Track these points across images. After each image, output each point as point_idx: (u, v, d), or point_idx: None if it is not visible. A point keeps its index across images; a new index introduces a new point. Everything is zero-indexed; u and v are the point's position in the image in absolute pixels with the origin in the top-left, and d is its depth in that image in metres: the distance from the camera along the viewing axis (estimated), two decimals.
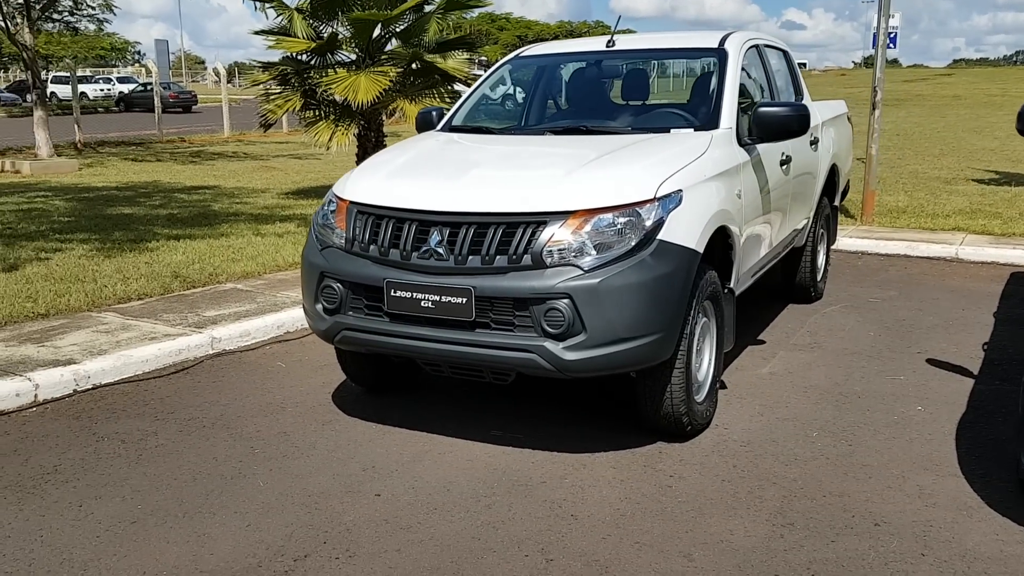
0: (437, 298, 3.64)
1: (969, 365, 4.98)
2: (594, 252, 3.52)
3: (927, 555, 3.01)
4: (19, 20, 17.08)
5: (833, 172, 6.43)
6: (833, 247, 8.27)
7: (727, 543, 3.12)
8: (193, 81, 66.37)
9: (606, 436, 4.04)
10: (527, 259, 3.54)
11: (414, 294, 3.68)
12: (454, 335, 3.66)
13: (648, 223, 3.58)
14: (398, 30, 11.49)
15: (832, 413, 4.29)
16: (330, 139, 10.88)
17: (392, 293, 3.72)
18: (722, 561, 3.00)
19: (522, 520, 3.30)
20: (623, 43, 5.12)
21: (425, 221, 3.73)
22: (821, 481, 3.57)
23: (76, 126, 20.34)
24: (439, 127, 5.09)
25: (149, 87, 27.90)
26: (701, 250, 3.73)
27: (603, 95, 5.26)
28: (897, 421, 4.18)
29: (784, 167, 5.05)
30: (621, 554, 3.06)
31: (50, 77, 44.35)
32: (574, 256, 3.51)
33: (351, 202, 3.97)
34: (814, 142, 5.82)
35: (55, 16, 19.25)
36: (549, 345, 3.51)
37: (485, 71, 5.60)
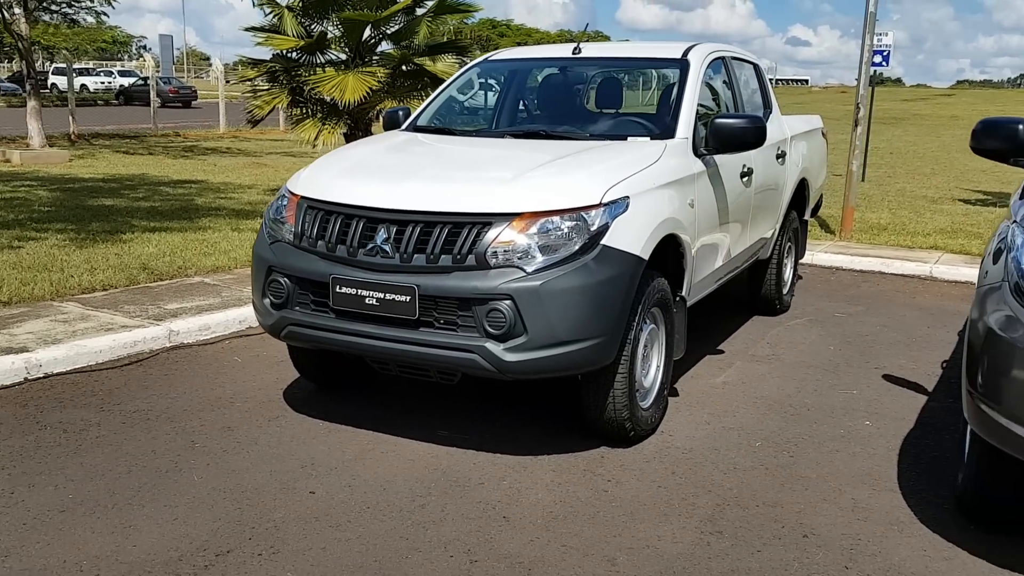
0: (381, 295, 3.64)
1: (925, 382, 4.98)
2: (538, 255, 3.52)
3: (851, 568, 3.00)
4: (16, 10, 17.11)
5: (802, 186, 6.43)
6: (809, 262, 8.32)
7: (653, 549, 3.11)
8: (196, 77, 66.41)
9: (553, 439, 4.04)
10: (471, 259, 3.54)
11: (359, 291, 3.68)
12: (398, 333, 3.66)
13: (593, 228, 3.58)
14: (389, 32, 11.52)
15: (779, 424, 4.28)
16: (316, 137, 10.89)
17: (338, 289, 3.72)
18: (645, 566, 3.00)
19: (453, 521, 3.30)
20: (589, 51, 5.13)
21: (373, 218, 3.73)
22: (756, 491, 3.57)
23: (71, 117, 20.40)
24: (404, 126, 5.10)
25: (149, 81, 27.97)
26: (646, 257, 3.73)
27: (567, 101, 5.27)
28: (843, 435, 4.18)
29: (745, 179, 5.06)
30: (546, 557, 3.06)
31: (51, 68, 44.42)
32: (518, 258, 3.52)
33: (302, 197, 3.98)
34: (781, 156, 5.83)
35: (52, 7, 19.26)
36: (490, 346, 3.51)
37: None
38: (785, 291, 6.45)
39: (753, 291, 6.27)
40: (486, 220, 3.55)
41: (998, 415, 2.82)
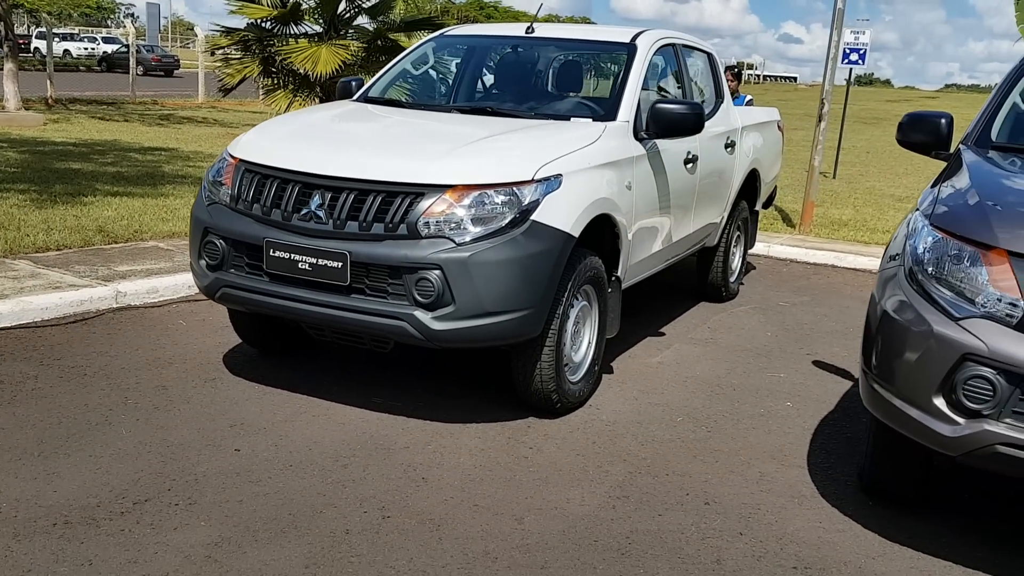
0: (314, 261, 3.72)
1: (853, 369, 5.12)
2: (469, 227, 3.61)
3: (745, 534, 3.14)
4: None
5: (753, 177, 6.55)
6: (764, 253, 8.46)
7: (559, 510, 3.23)
8: (182, 47, 65.67)
9: (484, 408, 4.14)
10: (403, 228, 3.62)
11: (292, 255, 3.76)
12: (330, 299, 3.74)
13: (524, 203, 3.67)
14: (365, 6, 11.54)
15: (703, 402, 4.42)
16: (287, 108, 10.90)
17: (271, 253, 3.80)
18: (549, 526, 3.12)
19: (373, 481, 3.40)
20: (542, 31, 5.21)
21: (308, 184, 3.80)
22: (668, 461, 3.70)
23: (48, 81, 20.20)
24: (355, 97, 5.16)
25: (130, 48, 27.76)
26: (576, 234, 3.83)
27: (518, 80, 5.35)
28: (762, 414, 4.32)
29: (689, 166, 5.16)
30: (457, 515, 3.17)
31: (35, 33, 43.79)
32: (449, 229, 3.60)
33: (240, 160, 4.04)
34: (730, 145, 5.94)
35: None
36: (419, 314, 3.60)
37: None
38: (732, 279, 6.58)
39: (700, 277, 6.40)
40: (419, 190, 3.64)
41: (890, 395, 2.95)
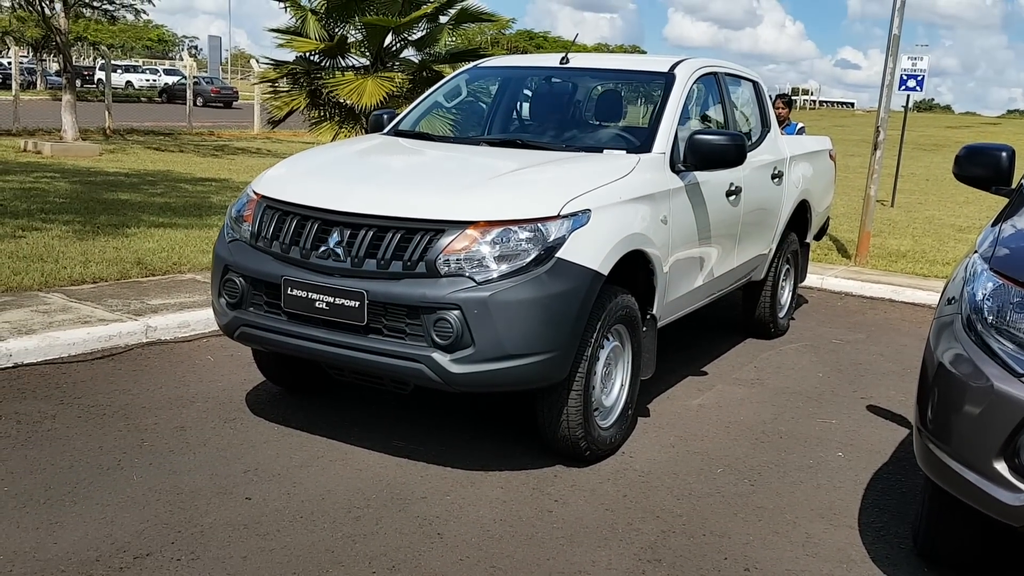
0: (331, 299, 3.57)
1: (910, 415, 4.77)
2: (490, 265, 3.43)
3: None
4: (56, 6, 17.47)
5: (803, 208, 6.27)
6: (818, 286, 8.12)
7: (585, 575, 2.99)
8: (242, 78, 67.40)
9: (510, 453, 3.94)
10: (422, 267, 3.46)
11: (310, 294, 3.62)
12: (347, 339, 3.59)
13: (549, 240, 3.48)
14: (411, 39, 11.55)
15: (746, 451, 4.14)
16: (333, 139, 10.95)
17: (289, 291, 3.66)
18: None
19: (385, 535, 3.21)
20: (577, 61, 5.04)
21: (327, 220, 3.67)
22: (706, 519, 3.43)
23: (107, 112, 20.75)
24: (385, 130, 5.05)
25: (194, 80, 28.49)
26: (605, 272, 3.62)
27: (552, 111, 5.18)
28: (811, 465, 4.02)
29: (732, 198, 4.92)
30: None
31: (99, 64, 45.31)
32: (469, 267, 3.43)
33: (261, 196, 3.93)
34: (777, 176, 5.68)
35: (93, 3, 19.65)
36: (437, 356, 3.42)
37: None
38: (781, 314, 6.28)
39: (747, 313, 6.11)
40: (438, 227, 3.47)
41: (946, 456, 2.67)
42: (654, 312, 4.20)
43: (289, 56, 11.66)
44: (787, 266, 6.26)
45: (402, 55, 11.97)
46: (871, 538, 3.34)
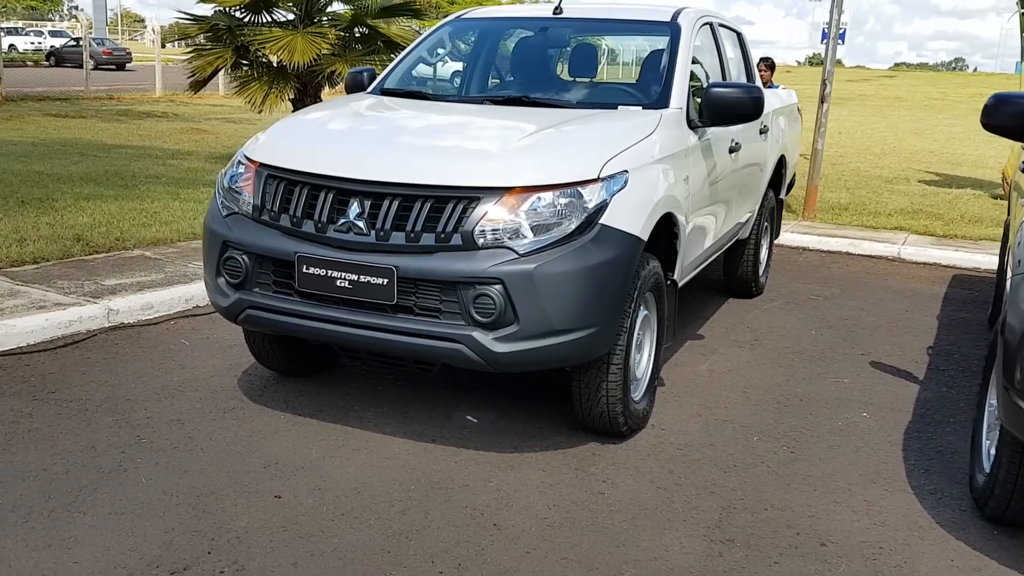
0: (355, 277, 3.26)
1: (914, 370, 4.80)
2: (531, 234, 3.18)
3: None
4: None
5: (781, 163, 6.20)
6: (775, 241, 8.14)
7: (662, 560, 2.83)
8: (131, 39, 63.84)
9: (537, 433, 3.73)
10: (457, 239, 3.18)
11: (329, 272, 3.30)
12: (372, 320, 3.29)
13: (590, 205, 3.25)
14: None
15: (773, 416, 4.05)
16: (263, 101, 10.37)
17: (304, 269, 3.33)
18: None
19: (439, 529, 2.97)
20: (571, 11, 4.76)
21: (344, 190, 3.34)
22: (762, 492, 3.31)
23: None
24: (369, 89, 4.68)
25: (82, 42, 26.62)
26: (646, 237, 3.43)
27: (548, 65, 4.91)
28: (842, 428, 3.96)
29: (733, 155, 4.78)
30: (546, 572, 2.75)
31: None
32: (509, 238, 3.17)
33: (261, 164, 3.55)
34: (763, 131, 5.57)
35: None
36: (478, 335, 3.17)
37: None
38: (761, 272, 6.23)
39: (729, 273, 6.03)
40: (474, 195, 3.20)
41: None
42: (675, 276, 4.04)
43: (208, 11, 10.94)
44: (766, 223, 6.20)
45: (329, 9, 11.38)
46: (931, 503, 3.28)
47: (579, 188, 3.26)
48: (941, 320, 5.86)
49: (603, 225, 3.25)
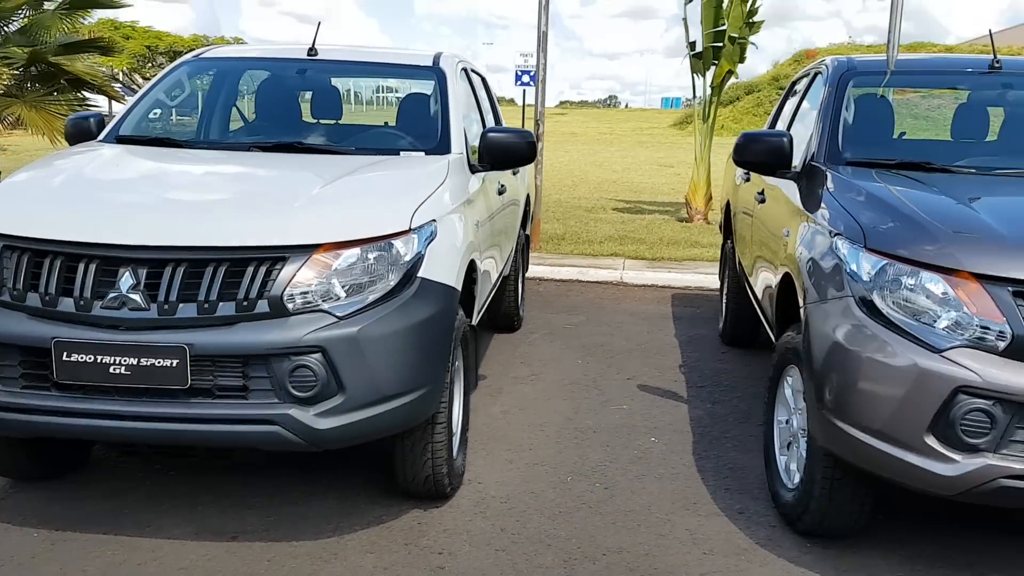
0: (133, 361, 2.76)
1: (676, 389, 5.10)
2: (349, 295, 2.90)
3: None
4: None
5: (527, 201, 6.37)
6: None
7: None
8: None
9: (353, 509, 3.41)
10: (263, 305, 2.81)
11: (99, 357, 2.76)
12: (160, 409, 2.80)
13: (407, 258, 3.04)
14: (11, 29, 9.62)
15: (576, 452, 4.06)
16: None
17: (65, 357, 2.76)
18: None
19: None
20: (327, 53, 4.50)
21: (111, 258, 2.82)
22: (594, 537, 3.28)
23: None
24: (101, 137, 4.07)
25: None
26: (460, 287, 3.29)
27: (317, 109, 4.59)
28: (639, 456, 4.07)
29: (501, 196, 4.80)
30: None
31: None
32: (324, 300, 2.87)
33: None
34: (515, 171, 5.67)
35: None
36: (296, 412, 2.81)
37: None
38: (519, 305, 6.33)
39: (494, 309, 6.05)
40: (279, 255, 2.85)
41: (863, 435, 2.76)
42: (473, 322, 3.93)
43: None
44: (520, 258, 6.32)
45: (3, 47, 9.91)
46: (743, 523, 3.44)
47: (391, 240, 3.04)
48: (679, 339, 6.32)
49: (422, 279, 3.06)
